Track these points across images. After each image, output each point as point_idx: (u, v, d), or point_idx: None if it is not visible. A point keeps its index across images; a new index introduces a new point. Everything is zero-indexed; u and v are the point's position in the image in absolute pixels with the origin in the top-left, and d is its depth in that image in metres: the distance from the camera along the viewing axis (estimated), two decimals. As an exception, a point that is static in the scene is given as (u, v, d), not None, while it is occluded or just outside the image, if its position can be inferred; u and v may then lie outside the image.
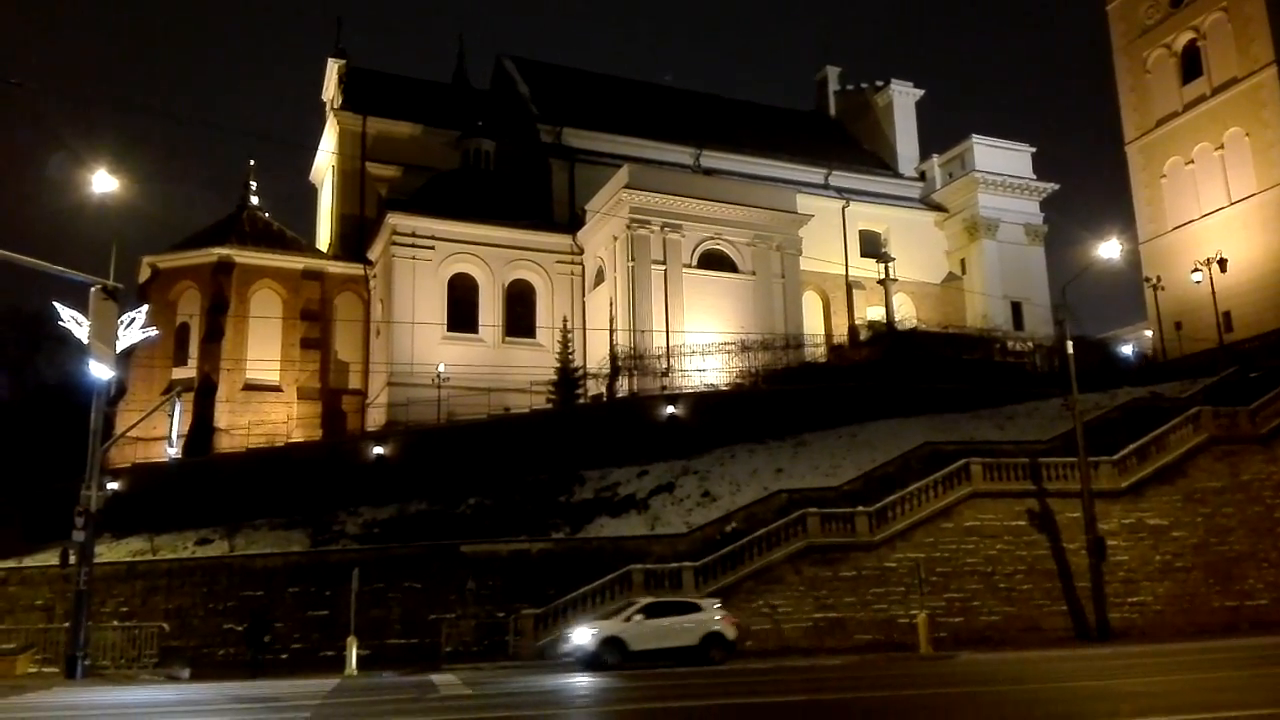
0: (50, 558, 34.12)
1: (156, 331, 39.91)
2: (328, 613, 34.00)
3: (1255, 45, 55.16)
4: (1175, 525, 36.15)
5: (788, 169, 66.03)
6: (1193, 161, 58.26)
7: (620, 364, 49.19)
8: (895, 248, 61.48)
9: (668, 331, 50.17)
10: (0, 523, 40.58)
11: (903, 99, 73.94)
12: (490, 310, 54.72)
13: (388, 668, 30.53)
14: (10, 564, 37.74)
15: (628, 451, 41.72)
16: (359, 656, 29.68)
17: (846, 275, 61.86)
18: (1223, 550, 36.07)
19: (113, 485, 36.81)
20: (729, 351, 49.06)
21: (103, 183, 28.82)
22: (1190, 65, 59.34)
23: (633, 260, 51.24)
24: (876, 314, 58.17)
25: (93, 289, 23.30)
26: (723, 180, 58.80)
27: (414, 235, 53.62)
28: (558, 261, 56.77)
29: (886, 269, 54.52)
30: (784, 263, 54.87)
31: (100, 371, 26.30)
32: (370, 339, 56.59)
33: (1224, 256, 51.36)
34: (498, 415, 47.02)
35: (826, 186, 66.39)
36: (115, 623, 33.88)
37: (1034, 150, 68.49)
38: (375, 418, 52.69)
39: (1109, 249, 36.59)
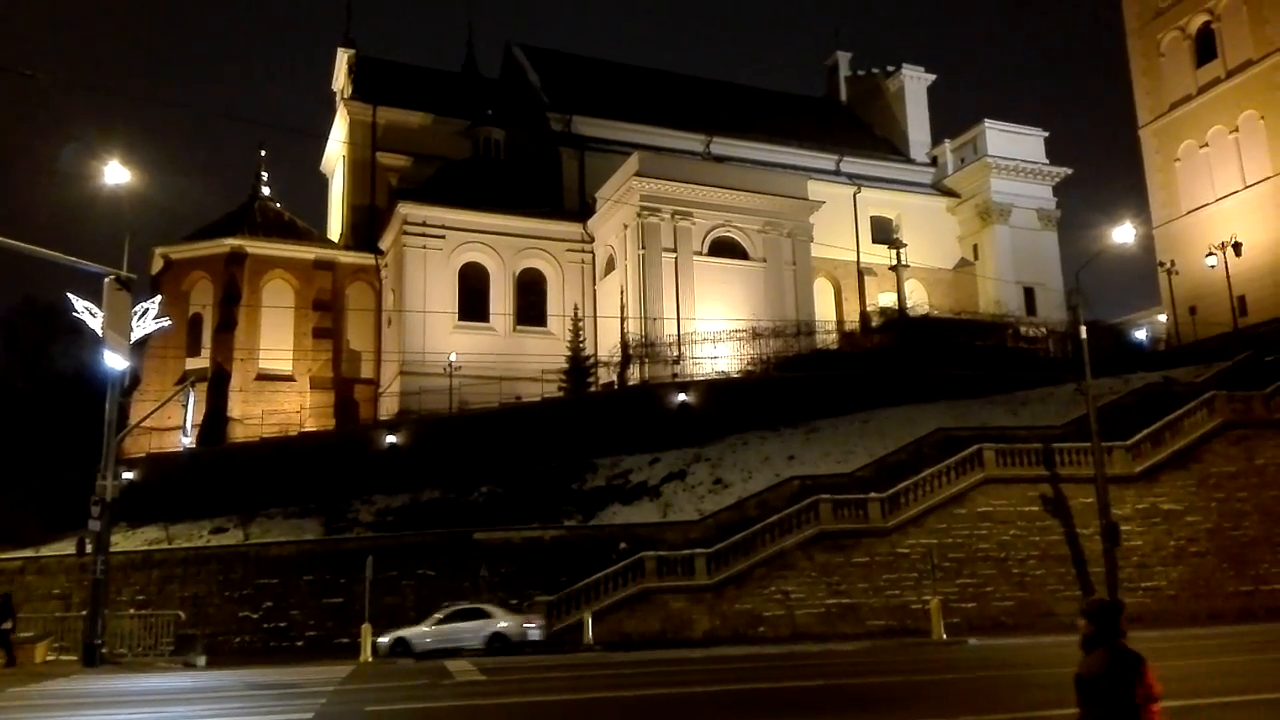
0: (67, 547, 34.39)
1: (170, 322, 39.95)
2: (342, 600, 34.21)
3: (1270, 27, 54.52)
4: (1189, 510, 35.98)
5: (799, 155, 65.73)
6: (1207, 145, 57.74)
7: (631, 352, 49.16)
8: (907, 233, 61.16)
9: (679, 319, 50.06)
10: (17, 512, 40.88)
11: (914, 84, 73.42)
12: (501, 299, 54.74)
13: (402, 654, 30.70)
14: (27, 553, 38.04)
15: (639, 439, 41.74)
16: (373, 643, 29.86)
17: (858, 261, 61.59)
18: (1237, 535, 35.89)
19: (128, 475, 36.97)
20: (740, 339, 48.98)
21: (115, 174, 28.89)
22: (1205, 47, 58.72)
23: (643, 248, 51.14)
24: (888, 300, 57.93)
25: (106, 280, 23.38)
26: (733, 167, 58.56)
27: (425, 225, 53.63)
28: (568, 250, 56.72)
29: (898, 255, 54.24)
30: (795, 249, 54.66)
31: (114, 362, 26.42)
32: (382, 328, 56.69)
33: (1239, 240, 50.92)
34: (509, 404, 47.08)
35: (838, 173, 66.08)
36: (132, 611, 34.14)
37: (1046, 135, 67.97)
38: (388, 407, 52.82)
39: (1122, 233, 36.28)
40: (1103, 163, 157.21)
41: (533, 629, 30.19)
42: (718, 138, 64.18)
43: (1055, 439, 36.94)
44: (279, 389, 53.45)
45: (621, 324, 50.78)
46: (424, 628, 30.43)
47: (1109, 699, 6.45)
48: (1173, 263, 56.10)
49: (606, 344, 52.22)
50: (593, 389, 48.53)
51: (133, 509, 37.50)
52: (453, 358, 49.08)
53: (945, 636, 29.71)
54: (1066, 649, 22.91)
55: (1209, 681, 15.38)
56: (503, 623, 30.18)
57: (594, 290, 56.18)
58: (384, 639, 30.18)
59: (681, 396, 43.55)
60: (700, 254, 52.45)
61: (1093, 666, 6.61)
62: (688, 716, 13.96)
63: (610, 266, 55.07)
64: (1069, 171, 67.27)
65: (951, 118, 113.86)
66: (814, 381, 44.94)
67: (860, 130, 73.62)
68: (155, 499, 39.92)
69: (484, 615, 30.48)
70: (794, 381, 45.37)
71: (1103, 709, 6.46)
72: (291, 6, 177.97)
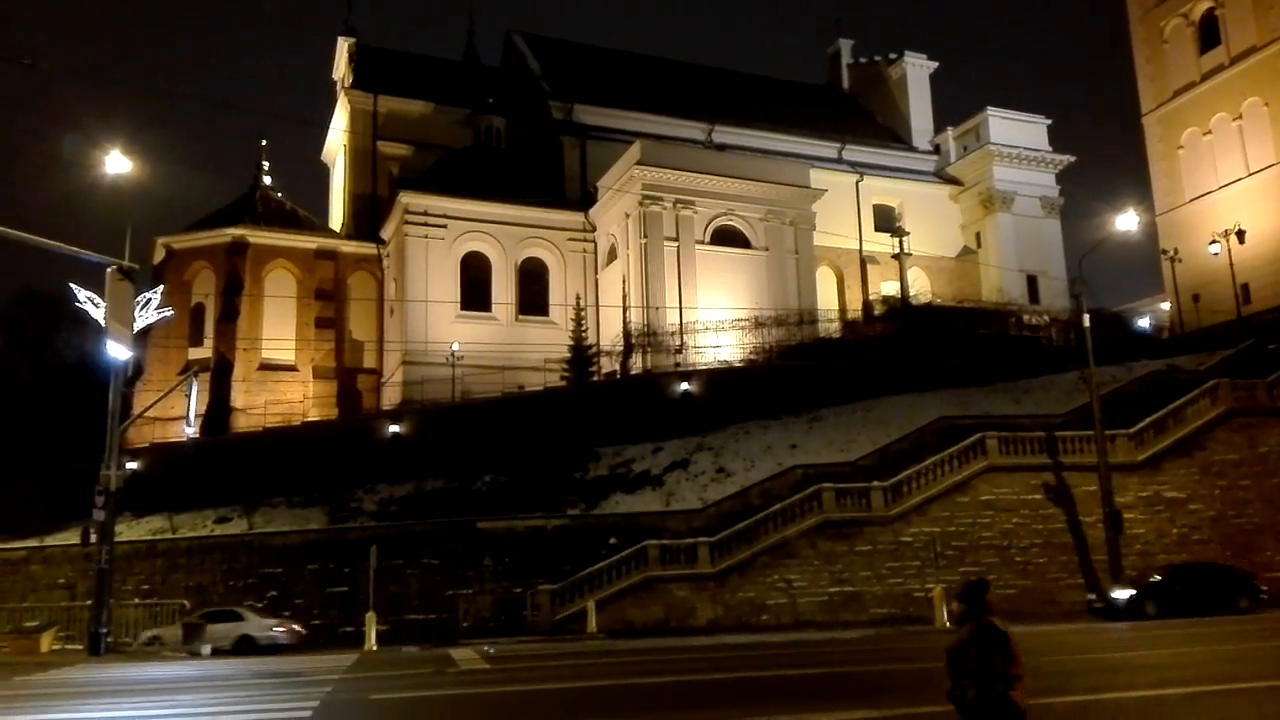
0: (71, 537, 34.52)
1: (172, 312, 40.08)
2: (346, 589, 34.28)
3: (1274, 13, 54.21)
4: (1192, 498, 36.00)
5: (801, 143, 65.48)
6: (1210, 132, 57.53)
7: (634, 341, 49.13)
8: (909, 222, 61.03)
9: (681, 308, 49.97)
10: (21, 503, 40.99)
11: (916, 71, 73.07)
12: (503, 288, 54.69)
13: (406, 643, 30.84)
14: (32, 543, 38.19)
15: (642, 428, 41.75)
16: (378, 632, 30.00)
17: (860, 250, 61.40)
18: (1240, 523, 35.91)
19: (132, 465, 37.02)
20: (743, 328, 48.89)
21: (117, 164, 28.86)
22: (1208, 34, 58.43)
23: (645, 237, 51.04)
24: (891, 289, 57.81)
25: (108, 270, 23.29)
26: (735, 156, 58.39)
27: (426, 214, 53.56)
28: (570, 239, 56.63)
29: (901, 243, 54.14)
30: (797, 238, 54.55)
31: (117, 352, 26.37)
32: (384, 318, 56.68)
33: (1242, 228, 50.80)
34: (512, 393, 47.06)
35: (840, 161, 65.84)
36: (137, 600, 34.32)
37: (1049, 122, 67.67)
38: (390, 396, 52.84)
39: (1126, 221, 36.17)
40: (1106, 150, 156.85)
41: (280, 633, 30.67)
42: (719, 126, 63.96)
43: (1058, 427, 36.89)
44: (282, 379, 53.46)
45: (624, 313, 50.76)
46: (179, 629, 30.97)
47: (975, 670, 6.89)
48: (1176, 250, 55.97)
49: (609, 333, 52.21)
50: (595, 378, 48.51)
51: (137, 499, 37.62)
52: (455, 347, 49.08)
53: (948, 624, 29.74)
54: (1069, 636, 22.95)
55: (1214, 668, 15.40)
56: (251, 626, 30.78)
57: (596, 279, 56.11)
58: (143, 635, 31.20)
59: (684, 386, 43.54)
60: (702, 243, 52.34)
61: (960, 638, 7.06)
62: (693, 704, 13.99)
63: (612, 256, 55.00)
64: (1072, 159, 67.05)
65: (954, 105, 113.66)
66: (816, 370, 44.92)
67: (862, 118, 73.37)
68: (159, 489, 40.02)
69: (235, 618, 31.06)
70: (796, 370, 45.35)
71: (969, 679, 6.88)
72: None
